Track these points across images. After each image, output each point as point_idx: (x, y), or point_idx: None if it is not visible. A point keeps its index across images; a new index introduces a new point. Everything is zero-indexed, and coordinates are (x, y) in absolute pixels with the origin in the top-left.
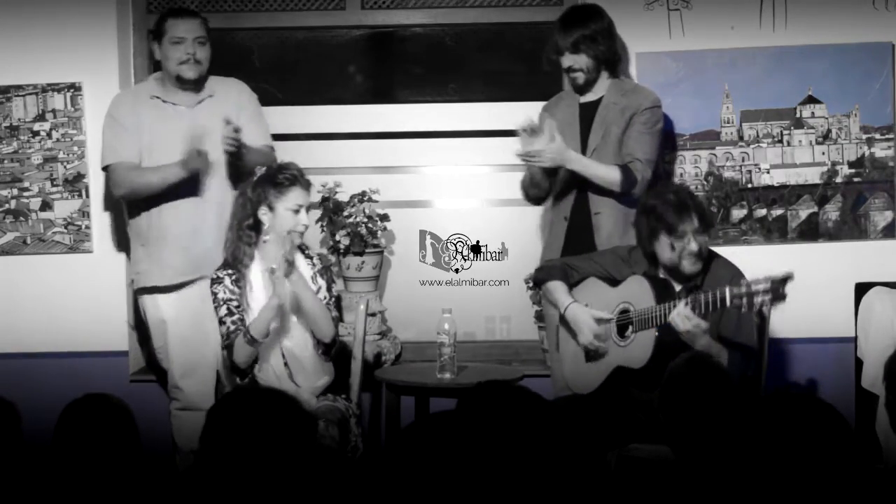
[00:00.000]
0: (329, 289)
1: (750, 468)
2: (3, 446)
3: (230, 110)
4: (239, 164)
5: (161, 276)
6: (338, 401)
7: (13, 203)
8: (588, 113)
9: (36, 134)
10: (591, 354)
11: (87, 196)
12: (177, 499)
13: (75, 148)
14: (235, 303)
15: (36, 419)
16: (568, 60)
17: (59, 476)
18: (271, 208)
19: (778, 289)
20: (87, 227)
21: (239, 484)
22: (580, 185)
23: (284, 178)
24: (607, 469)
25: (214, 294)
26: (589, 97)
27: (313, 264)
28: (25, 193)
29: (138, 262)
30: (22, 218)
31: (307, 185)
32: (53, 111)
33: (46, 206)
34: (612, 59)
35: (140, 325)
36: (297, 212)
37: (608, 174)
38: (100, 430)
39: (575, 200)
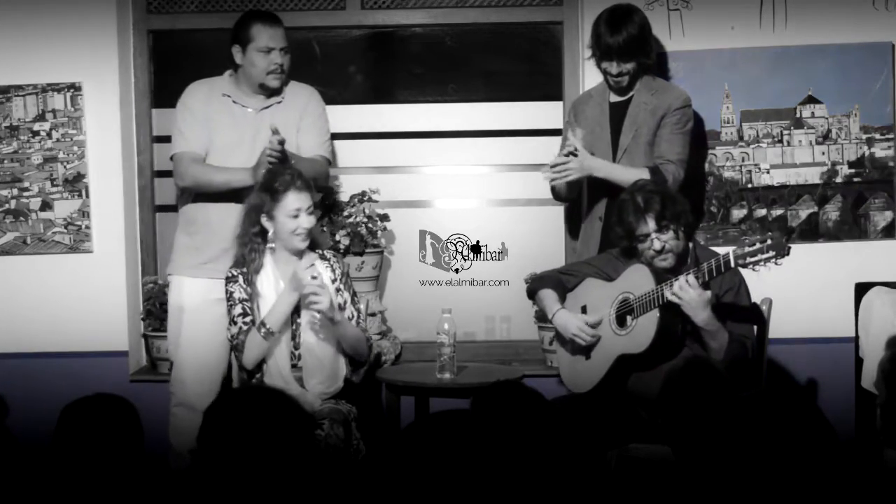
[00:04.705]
0: (353, 301)
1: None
2: None
3: (293, 117)
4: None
5: (198, 269)
6: (339, 403)
7: (13, 203)
8: (618, 113)
9: (36, 134)
10: (582, 348)
11: (87, 196)
12: (174, 499)
13: (75, 148)
14: (249, 304)
15: (35, 419)
16: (616, 68)
17: (64, 475)
18: (270, 216)
19: (780, 243)
20: (87, 227)
21: (236, 484)
22: (611, 187)
23: (279, 184)
24: (607, 469)
25: (230, 293)
26: (619, 96)
27: (332, 268)
28: (25, 193)
29: (178, 249)
30: (22, 218)
31: (305, 188)
32: (53, 111)
33: (46, 206)
34: (651, 60)
35: (153, 314)
36: (296, 216)
37: (637, 177)
38: (109, 429)
39: (608, 201)
